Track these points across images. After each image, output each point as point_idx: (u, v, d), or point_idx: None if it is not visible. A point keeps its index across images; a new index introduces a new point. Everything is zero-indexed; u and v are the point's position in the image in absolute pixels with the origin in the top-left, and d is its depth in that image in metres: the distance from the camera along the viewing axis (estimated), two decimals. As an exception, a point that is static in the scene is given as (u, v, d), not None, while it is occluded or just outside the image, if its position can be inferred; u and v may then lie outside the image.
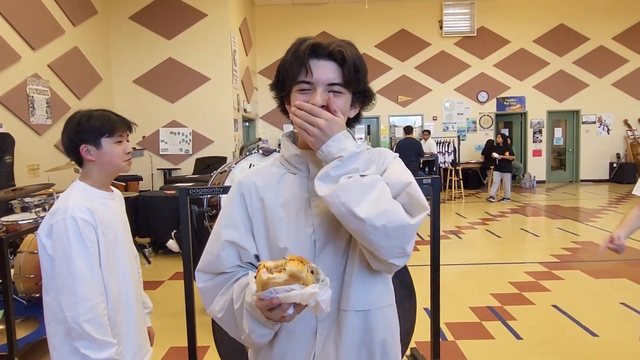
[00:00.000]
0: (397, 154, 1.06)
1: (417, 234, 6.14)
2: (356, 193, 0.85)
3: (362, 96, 1.02)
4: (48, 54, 6.33)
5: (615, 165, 11.89)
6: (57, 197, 3.39)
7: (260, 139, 9.07)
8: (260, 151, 3.44)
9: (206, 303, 1.02)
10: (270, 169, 1.06)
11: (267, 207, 0.99)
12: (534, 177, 11.81)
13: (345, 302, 0.97)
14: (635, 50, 11.67)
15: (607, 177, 12.09)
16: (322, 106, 0.92)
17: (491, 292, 3.94)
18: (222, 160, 7.70)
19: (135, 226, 5.36)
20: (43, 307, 1.36)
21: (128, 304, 1.46)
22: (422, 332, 2.66)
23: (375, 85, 11.24)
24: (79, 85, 7.11)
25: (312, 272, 0.80)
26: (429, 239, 2.31)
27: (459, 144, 10.85)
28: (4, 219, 3.76)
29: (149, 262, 5.14)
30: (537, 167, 12.19)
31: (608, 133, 12.01)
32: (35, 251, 3.51)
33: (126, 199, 2.05)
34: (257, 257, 1.00)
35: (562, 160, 12.53)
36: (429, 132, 10.55)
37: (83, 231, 1.32)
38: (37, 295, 3.53)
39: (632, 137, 11.80)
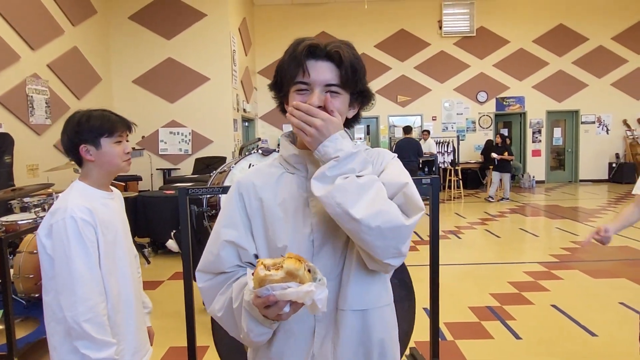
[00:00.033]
0: (396, 155, 1.06)
1: (417, 234, 6.15)
2: (352, 194, 0.85)
3: (361, 96, 1.02)
4: (47, 54, 6.33)
5: (614, 165, 11.89)
6: (57, 197, 3.40)
7: (259, 139, 9.09)
8: (260, 151, 3.45)
9: (207, 303, 1.02)
10: (269, 169, 1.06)
11: (266, 206, 1.00)
12: (533, 177, 11.81)
13: (343, 301, 0.97)
14: (635, 51, 11.68)
15: (606, 177, 12.10)
16: (320, 107, 0.92)
17: (490, 292, 3.95)
18: (221, 160, 7.70)
19: (134, 226, 5.36)
20: (43, 307, 1.36)
21: (128, 303, 1.46)
22: (421, 332, 2.66)
23: (375, 85, 11.27)
24: (79, 85, 7.11)
25: (309, 270, 0.81)
26: (428, 238, 2.31)
27: (458, 144, 10.86)
28: (3, 219, 3.76)
29: (149, 262, 5.15)
30: (536, 167, 12.19)
31: (607, 133, 12.01)
32: (35, 251, 3.51)
33: (126, 199, 2.06)
34: (256, 256, 1.00)
35: (561, 160, 12.53)
36: (428, 132, 10.56)
37: (83, 231, 1.32)
38: (37, 295, 3.54)
39: (631, 137, 11.81)
